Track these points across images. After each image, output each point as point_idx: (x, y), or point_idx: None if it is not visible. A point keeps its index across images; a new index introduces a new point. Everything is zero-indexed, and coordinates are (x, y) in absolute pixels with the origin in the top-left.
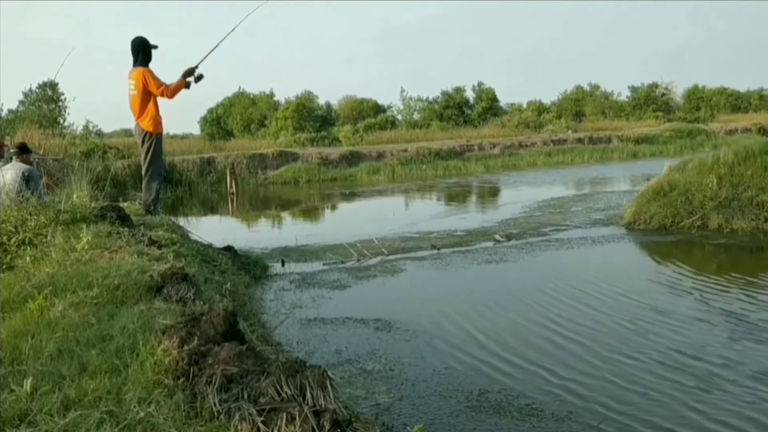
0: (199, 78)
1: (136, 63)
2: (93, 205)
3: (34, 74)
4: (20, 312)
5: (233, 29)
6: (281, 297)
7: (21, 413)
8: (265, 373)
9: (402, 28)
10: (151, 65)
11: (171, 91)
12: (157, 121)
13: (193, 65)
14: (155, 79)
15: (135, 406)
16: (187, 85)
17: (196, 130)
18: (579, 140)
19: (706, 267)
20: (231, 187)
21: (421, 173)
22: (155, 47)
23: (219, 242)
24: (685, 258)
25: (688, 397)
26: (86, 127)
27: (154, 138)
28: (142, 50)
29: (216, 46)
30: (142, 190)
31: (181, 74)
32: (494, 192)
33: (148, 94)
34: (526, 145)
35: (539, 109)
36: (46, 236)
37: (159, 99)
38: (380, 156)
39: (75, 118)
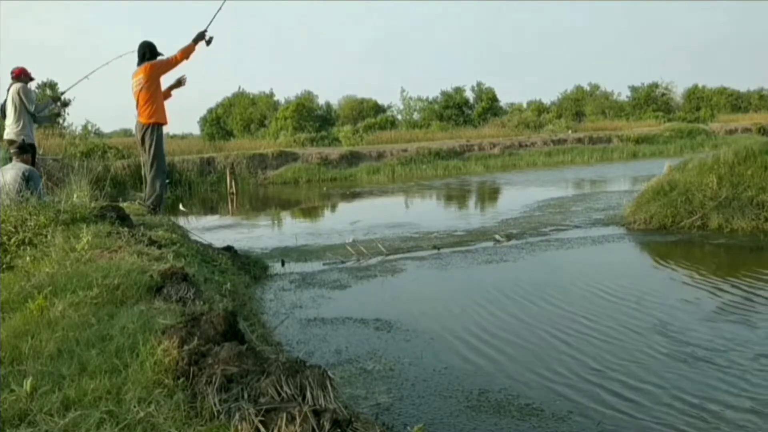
0: (210, 41)
1: (141, 63)
2: (93, 205)
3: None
4: (20, 312)
5: None
6: (281, 297)
7: (21, 413)
8: (265, 373)
9: (402, 27)
10: None
11: (181, 55)
12: (161, 111)
13: (203, 29)
14: (160, 61)
15: (135, 406)
16: (204, 41)
17: (196, 130)
18: (579, 140)
19: (707, 267)
20: (231, 187)
21: (421, 173)
22: (161, 55)
23: (219, 242)
24: (685, 258)
25: (693, 394)
26: (86, 127)
27: (156, 132)
28: (148, 51)
29: (219, 10)
30: (147, 186)
31: (192, 39)
32: (494, 192)
33: (155, 85)
34: (526, 145)
35: (539, 109)
36: (46, 236)
37: (167, 87)
38: (380, 156)
39: (74, 118)
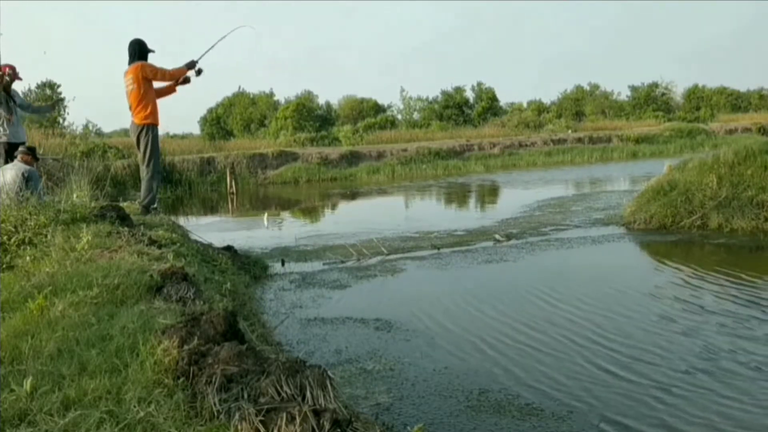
0: (199, 72)
1: (132, 61)
2: (93, 204)
3: (33, 73)
4: (20, 312)
5: (233, 30)
6: (281, 297)
7: (21, 413)
8: (265, 373)
9: (403, 27)
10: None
11: (171, 74)
12: (155, 112)
13: (195, 59)
14: (153, 66)
15: (135, 406)
16: (186, 80)
17: (196, 129)
18: (579, 140)
19: (707, 267)
20: (231, 186)
21: (421, 173)
22: (152, 51)
23: (219, 242)
24: (685, 258)
25: (686, 398)
26: (86, 126)
27: (151, 132)
28: (138, 49)
29: (212, 47)
30: (142, 187)
31: (184, 64)
32: (494, 191)
33: (147, 85)
34: (526, 145)
35: (539, 108)
36: (46, 236)
37: (159, 86)
38: (380, 156)
39: (75, 117)
